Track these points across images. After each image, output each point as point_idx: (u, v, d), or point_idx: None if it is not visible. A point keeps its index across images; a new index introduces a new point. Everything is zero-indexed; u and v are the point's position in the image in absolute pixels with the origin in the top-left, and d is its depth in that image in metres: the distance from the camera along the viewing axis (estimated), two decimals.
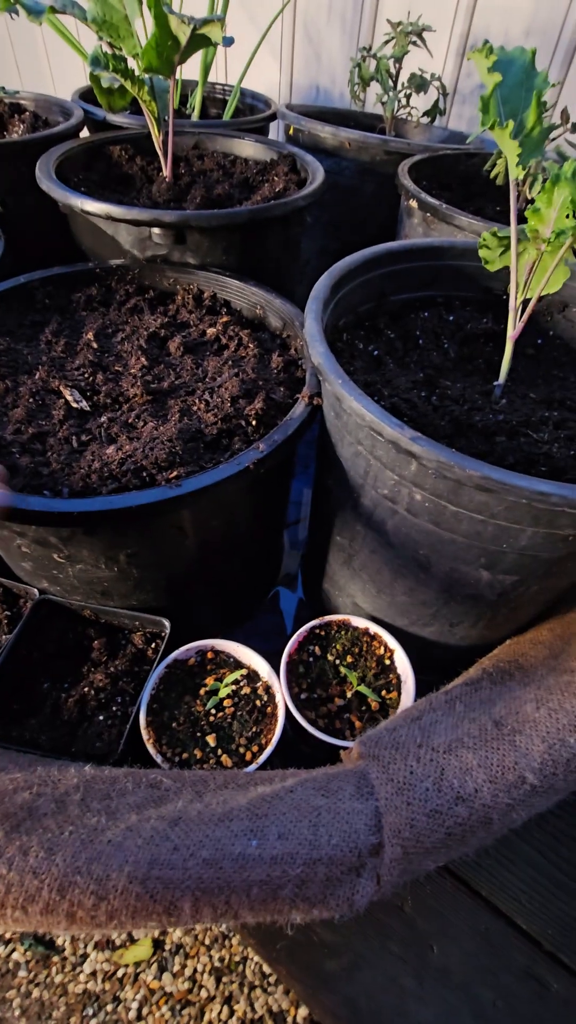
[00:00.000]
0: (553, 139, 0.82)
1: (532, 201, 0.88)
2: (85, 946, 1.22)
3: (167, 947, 1.22)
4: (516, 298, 0.56)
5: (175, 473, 0.54)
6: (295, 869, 0.40)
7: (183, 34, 0.70)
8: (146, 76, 0.78)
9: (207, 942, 1.22)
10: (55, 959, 1.21)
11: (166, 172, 0.91)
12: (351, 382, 0.50)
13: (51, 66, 1.99)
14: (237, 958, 1.19)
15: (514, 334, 0.58)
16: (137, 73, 0.78)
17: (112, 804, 0.46)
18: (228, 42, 0.73)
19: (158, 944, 1.22)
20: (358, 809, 0.43)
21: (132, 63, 0.80)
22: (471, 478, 0.43)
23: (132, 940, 1.22)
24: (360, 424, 0.50)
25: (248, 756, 0.59)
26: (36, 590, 0.68)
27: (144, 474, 0.55)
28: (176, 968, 1.16)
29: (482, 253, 0.61)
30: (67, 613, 0.69)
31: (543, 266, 0.54)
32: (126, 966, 1.19)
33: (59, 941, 1.24)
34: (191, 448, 0.58)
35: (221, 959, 1.19)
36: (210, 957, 1.20)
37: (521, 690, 0.53)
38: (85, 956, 1.21)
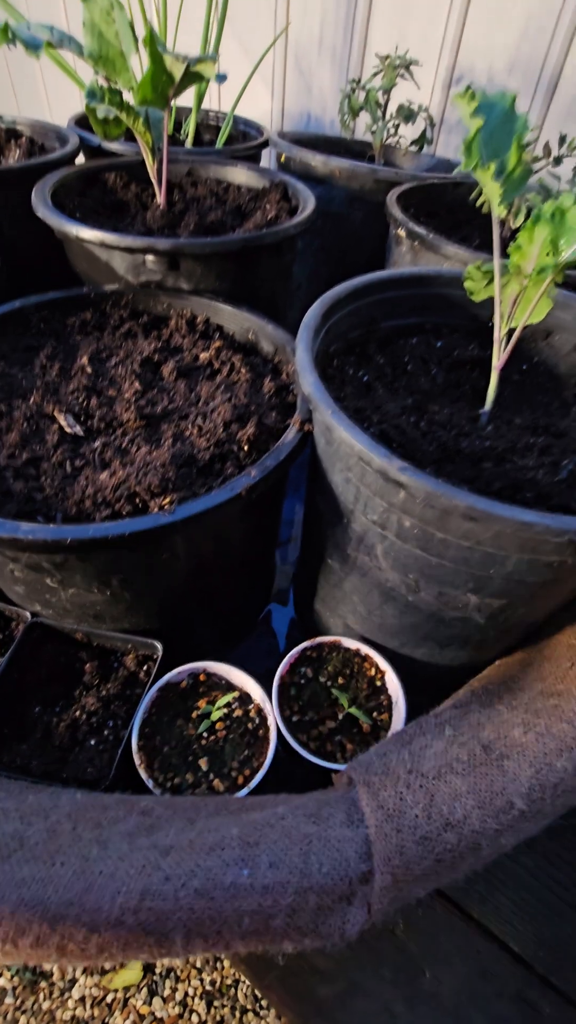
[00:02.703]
0: (536, 172, 0.85)
1: (516, 231, 0.91)
2: (73, 971, 1.20)
3: (157, 971, 1.19)
4: (501, 329, 0.58)
5: (168, 499, 0.54)
6: (286, 898, 0.40)
7: (177, 71, 0.73)
8: (141, 108, 0.81)
9: (198, 965, 1.21)
10: (43, 985, 1.18)
11: (160, 199, 0.93)
12: (341, 412, 0.51)
13: (47, 91, 2.03)
14: (229, 981, 1.18)
15: (499, 364, 0.59)
16: (132, 105, 0.80)
17: (104, 833, 0.46)
18: (221, 79, 0.76)
19: (148, 968, 1.20)
20: (348, 837, 0.43)
21: (127, 95, 0.82)
22: (458, 507, 0.45)
23: (122, 964, 1.20)
24: (350, 453, 0.51)
25: (240, 780, 0.59)
26: (28, 613, 0.68)
27: (137, 500, 0.55)
28: (167, 992, 1.14)
29: (467, 285, 0.62)
30: (59, 636, 0.69)
31: (526, 298, 0.56)
32: (115, 991, 1.17)
33: (46, 966, 1.21)
34: (184, 473, 0.59)
35: (212, 982, 1.18)
36: (201, 981, 1.18)
37: (509, 713, 0.54)
38: (73, 981, 1.19)
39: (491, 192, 0.52)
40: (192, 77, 0.74)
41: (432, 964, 0.63)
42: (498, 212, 0.53)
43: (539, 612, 0.63)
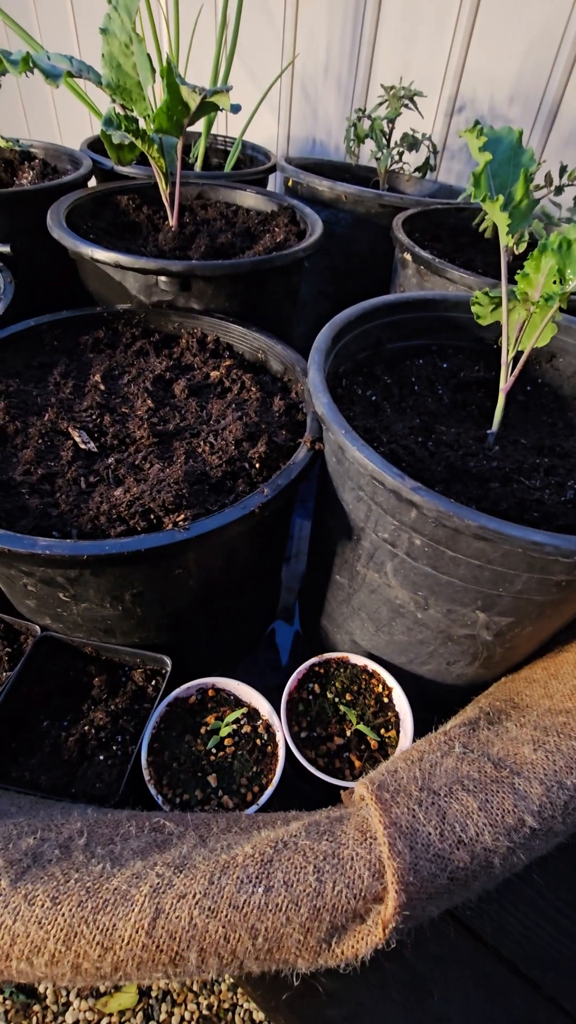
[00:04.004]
0: (537, 200, 0.88)
1: (519, 257, 0.94)
2: (68, 994, 1.18)
3: (153, 994, 1.17)
4: (508, 353, 0.60)
5: (182, 516, 0.55)
6: (299, 917, 0.40)
7: (193, 101, 0.75)
8: (155, 135, 0.83)
9: (195, 988, 1.19)
10: (36, 1008, 1.16)
11: (172, 222, 0.95)
12: (354, 433, 0.52)
13: (58, 114, 2.08)
14: (226, 1005, 1.16)
15: (506, 387, 0.61)
16: (147, 132, 0.83)
17: (116, 849, 0.46)
18: (236, 109, 0.78)
19: (144, 992, 1.18)
20: (361, 855, 0.43)
21: (142, 122, 0.85)
22: (469, 527, 0.46)
23: (117, 987, 1.18)
24: (362, 472, 0.52)
25: (249, 796, 0.60)
26: (38, 627, 0.69)
27: (152, 516, 0.56)
28: (163, 1016, 1.12)
29: (475, 309, 0.64)
30: (68, 650, 0.70)
31: (533, 324, 0.58)
32: (110, 1015, 1.14)
33: (40, 989, 1.19)
34: (197, 490, 0.60)
35: (209, 1007, 1.16)
36: (198, 1004, 1.16)
37: (518, 731, 0.54)
38: (67, 1005, 1.17)
39: (499, 222, 0.54)
40: (207, 107, 0.77)
41: (440, 986, 0.62)
42: (505, 241, 0.55)
43: (546, 630, 0.63)
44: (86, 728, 0.64)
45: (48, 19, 1.86)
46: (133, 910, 0.40)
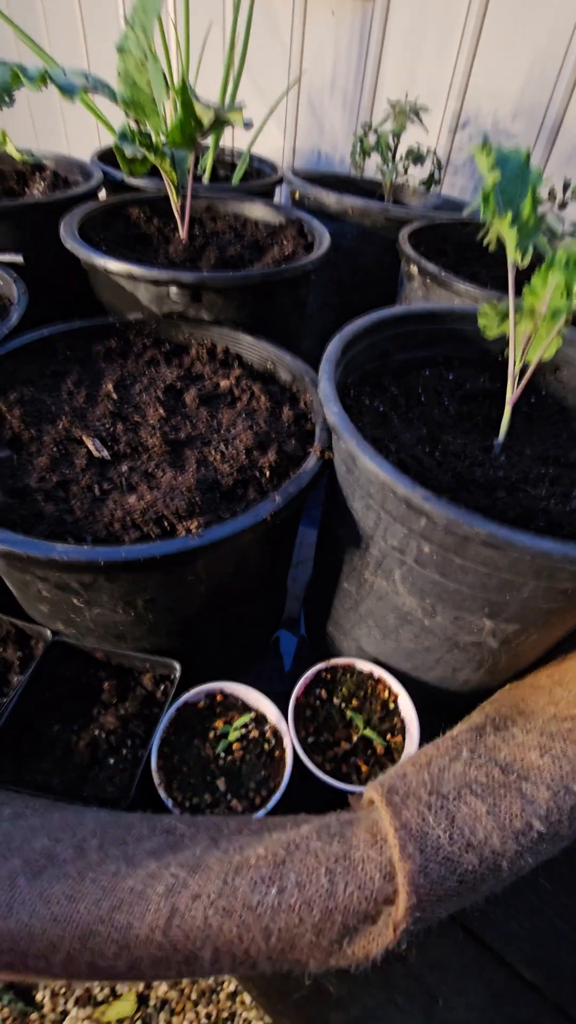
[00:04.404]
0: (543, 217, 0.89)
1: (523, 271, 0.95)
2: (65, 1002, 1.18)
3: (152, 1002, 1.17)
4: (515, 365, 0.61)
5: (195, 523, 0.56)
6: (312, 918, 0.41)
7: (207, 118, 0.77)
8: (168, 149, 0.85)
9: (193, 997, 1.18)
10: (33, 1016, 1.16)
11: (183, 233, 0.97)
12: (366, 443, 0.53)
13: (66, 125, 2.11)
14: (225, 1014, 1.16)
15: (512, 398, 0.62)
16: (160, 146, 0.85)
17: (130, 850, 0.46)
18: (248, 125, 0.80)
19: (142, 999, 1.18)
20: (372, 857, 0.44)
21: (155, 136, 0.87)
22: (479, 535, 0.47)
23: (115, 995, 1.18)
24: (373, 481, 0.54)
25: (258, 800, 0.60)
26: (49, 631, 0.70)
27: (165, 523, 0.57)
28: None
29: (481, 321, 0.66)
30: (79, 655, 0.70)
31: (539, 337, 0.59)
32: (108, 1023, 1.14)
33: (38, 996, 1.19)
34: (208, 498, 0.61)
35: (208, 1015, 1.15)
36: (196, 1013, 1.16)
37: (524, 736, 0.55)
38: (65, 1013, 1.16)
39: (507, 239, 0.55)
40: (220, 124, 0.79)
41: (445, 991, 0.63)
42: (513, 257, 0.56)
43: (550, 637, 0.64)
44: (97, 732, 0.65)
45: (58, 34, 1.89)
46: (149, 909, 0.40)
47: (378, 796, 0.48)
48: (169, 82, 0.80)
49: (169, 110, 0.81)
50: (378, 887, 0.42)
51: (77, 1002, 1.17)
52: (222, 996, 1.17)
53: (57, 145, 2.20)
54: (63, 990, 1.19)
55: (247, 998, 1.18)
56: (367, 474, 0.53)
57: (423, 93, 1.39)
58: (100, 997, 1.17)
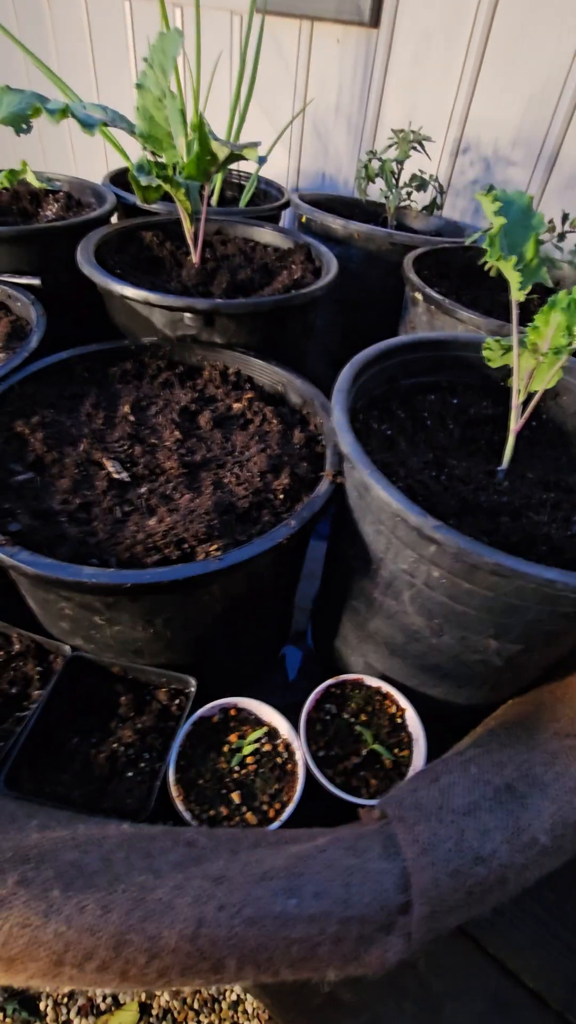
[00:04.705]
0: (546, 257, 0.93)
1: (522, 302, 0.99)
2: (68, 1011, 1.19)
3: (154, 1012, 1.18)
4: (518, 396, 0.64)
5: (215, 546, 0.59)
6: (331, 927, 0.44)
7: (222, 153, 0.80)
8: (183, 180, 0.88)
9: (196, 1006, 1.20)
10: None
11: (195, 258, 1.00)
12: (379, 472, 0.56)
13: (74, 148, 2.15)
14: (227, 1023, 1.17)
15: (516, 427, 0.65)
16: (175, 177, 0.88)
17: (155, 863, 0.49)
18: (262, 161, 0.83)
19: (145, 1008, 1.19)
20: (386, 869, 0.46)
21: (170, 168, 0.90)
22: (486, 564, 0.50)
23: (118, 1004, 1.19)
24: (384, 509, 0.56)
25: (271, 813, 0.62)
26: (68, 647, 0.72)
27: (185, 546, 0.60)
28: None
29: (486, 353, 0.69)
30: (97, 669, 0.73)
31: (541, 371, 0.62)
32: None
33: (42, 1006, 1.20)
34: (225, 521, 0.64)
35: None
36: (199, 1023, 1.17)
37: (529, 753, 0.58)
38: (68, 1023, 1.17)
39: (512, 279, 0.58)
40: (234, 158, 0.82)
41: (452, 999, 0.65)
42: (517, 297, 0.60)
43: (552, 656, 0.67)
44: (115, 745, 0.67)
45: (66, 53, 1.93)
46: (178, 919, 0.43)
47: (391, 810, 0.50)
48: (185, 118, 0.83)
49: (181, 144, 0.84)
50: (392, 898, 0.45)
51: (80, 1012, 1.18)
52: (224, 1005, 1.18)
53: (64, 165, 2.24)
54: (66, 1000, 1.21)
55: (249, 1008, 1.20)
56: (379, 502, 0.56)
57: (425, 120, 1.43)
58: (103, 1007, 1.18)
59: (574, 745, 0.57)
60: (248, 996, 1.22)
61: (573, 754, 0.55)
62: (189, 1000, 1.20)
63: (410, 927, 0.44)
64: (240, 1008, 1.21)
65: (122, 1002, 1.20)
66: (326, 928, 0.43)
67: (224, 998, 1.20)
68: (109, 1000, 1.21)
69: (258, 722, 0.71)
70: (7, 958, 0.42)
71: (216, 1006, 1.18)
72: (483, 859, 0.47)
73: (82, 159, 2.18)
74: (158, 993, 1.22)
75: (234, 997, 1.22)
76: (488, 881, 0.46)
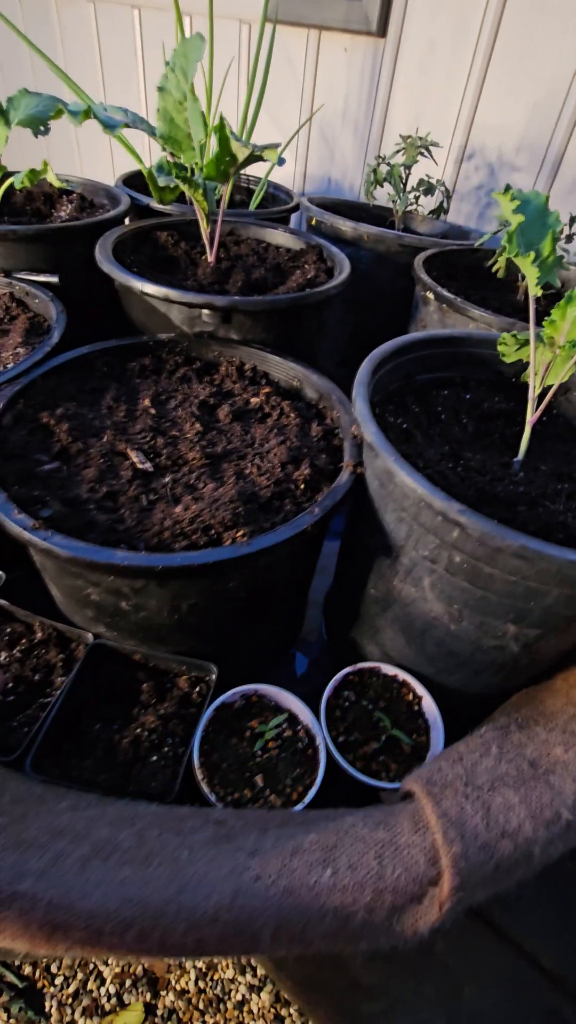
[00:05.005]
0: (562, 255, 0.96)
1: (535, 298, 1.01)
2: (73, 1012, 1.18)
3: (159, 1012, 1.18)
4: (535, 389, 0.66)
5: (241, 532, 0.60)
6: (364, 897, 0.45)
7: (241, 154, 0.82)
8: (201, 180, 0.90)
9: (201, 1006, 1.20)
10: None
11: (210, 257, 1.02)
12: (403, 460, 0.58)
13: (80, 150, 2.18)
14: (233, 1023, 1.17)
15: (533, 419, 0.67)
16: (195, 178, 0.90)
17: (187, 839, 0.50)
18: (282, 163, 0.85)
19: (150, 1009, 1.19)
20: (417, 842, 0.47)
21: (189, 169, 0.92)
22: (510, 546, 0.51)
23: (123, 1005, 1.19)
24: (408, 495, 0.58)
25: (294, 796, 0.64)
26: (90, 635, 0.73)
27: (212, 532, 0.61)
28: None
29: (501, 348, 0.71)
30: (118, 657, 0.74)
31: (558, 364, 0.64)
32: None
33: (46, 1006, 1.20)
34: (250, 509, 0.65)
35: None
36: (204, 1022, 1.17)
37: (547, 734, 0.59)
38: (72, 1023, 1.17)
39: (529, 275, 0.60)
40: (253, 159, 0.84)
41: (471, 982, 0.66)
42: (534, 292, 0.62)
43: (567, 643, 0.68)
44: (138, 731, 0.68)
45: (76, 69, 1.96)
46: (215, 890, 0.44)
47: (418, 787, 0.52)
48: (207, 120, 0.85)
49: (200, 146, 0.86)
50: (423, 870, 0.46)
51: (84, 1012, 1.18)
52: (229, 1005, 1.19)
53: (70, 165, 2.26)
54: (70, 1000, 1.20)
55: (255, 1007, 1.20)
56: (403, 488, 0.57)
57: (430, 127, 1.46)
58: (108, 1007, 1.18)
59: None
60: (253, 996, 1.22)
61: None
62: (194, 1000, 1.20)
63: (441, 898, 0.45)
64: (245, 1008, 1.21)
65: (127, 1002, 1.20)
66: (360, 898, 0.44)
67: (229, 998, 1.20)
68: (114, 1000, 1.21)
69: (278, 708, 0.72)
70: (48, 929, 0.43)
71: (221, 1006, 1.19)
72: (509, 833, 0.48)
73: (88, 160, 2.20)
74: (163, 993, 1.22)
75: (239, 997, 1.22)
76: (515, 855, 0.48)
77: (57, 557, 0.55)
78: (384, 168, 1.31)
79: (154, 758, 0.66)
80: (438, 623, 0.68)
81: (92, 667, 0.72)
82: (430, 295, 0.99)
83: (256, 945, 0.44)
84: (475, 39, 1.31)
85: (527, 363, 0.69)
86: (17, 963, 1.25)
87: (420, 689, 0.74)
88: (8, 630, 0.76)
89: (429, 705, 0.73)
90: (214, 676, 0.71)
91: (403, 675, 0.76)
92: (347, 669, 0.75)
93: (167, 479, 0.69)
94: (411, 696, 0.75)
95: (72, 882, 0.43)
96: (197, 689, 0.74)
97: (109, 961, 1.26)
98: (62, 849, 0.46)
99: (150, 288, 0.85)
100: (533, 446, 0.79)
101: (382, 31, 1.41)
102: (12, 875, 0.42)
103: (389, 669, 0.76)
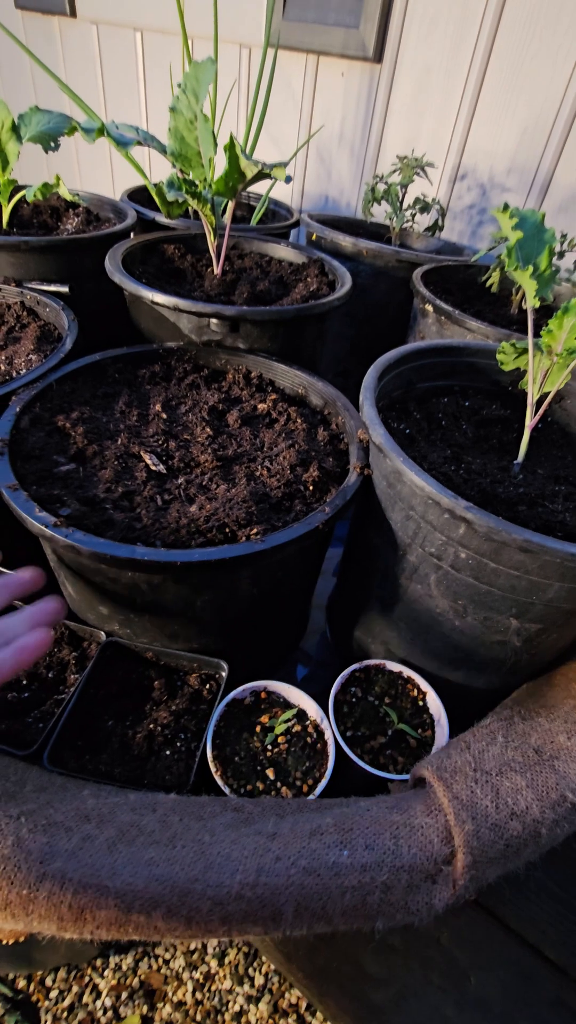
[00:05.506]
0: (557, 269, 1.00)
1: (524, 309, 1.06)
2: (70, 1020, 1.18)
3: (156, 1021, 1.18)
4: (533, 396, 0.70)
5: (255, 530, 0.63)
6: (381, 876, 0.46)
7: (250, 172, 0.86)
8: (209, 196, 0.94)
9: (198, 1018, 1.20)
10: None
11: (216, 269, 1.05)
12: (411, 460, 0.61)
13: (80, 164, 2.22)
14: None
15: (531, 424, 0.70)
16: (203, 193, 0.94)
17: (208, 824, 0.51)
18: (289, 180, 0.89)
19: (147, 1022, 1.19)
20: (430, 824, 0.50)
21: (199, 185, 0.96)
22: (515, 541, 0.54)
23: (119, 1018, 1.18)
24: (416, 494, 0.61)
25: (305, 788, 0.65)
26: (102, 632, 0.74)
27: (227, 530, 0.63)
28: None
29: (499, 357, 0.74)
30: (130, 654, 0.75)
31: (555, 372, 0.68)
32: None
33: (42, 1020, 1.19)
34: (262, 508, 0.67)
35: None
36: None
37: (550, 724, 0.61)
38: None
39: (527, 288, 0.64)
40: (261, 176, 0.88)
41: (477, 971, 0.67)
42: (533, 303, 0.65)
43: (567, 638, 0.71)
44: (151, 726, 0.69)
45: (78, 88, 2.01)
46: (238, 869, 0.45)
47: (429, 773, 0.54)
48: (215, 139, 0.89)
49: (221, 163, 0.90)
50: (437, 849, 0.48)
51: (81, 1022, 1.17)
52: (227, 1016, 1.18)
53: (70, 179, 2.30)
54: (66, 1014, 1.20)
55: (253, 1018, 1.20)
56: (411, 487, 0.60)
57: (425, 149, 1.52)
58: (103, 1021, 1.17)
59: None
60: (252, 1006, 1.22)
61: None
62: (192, 1012, 1.20)
63: (455, 876, 0.47)
64: (244, 1019, 1.21)
65: (123, 1015, 1.20)
66: (377, 877, 0.46)
67: (227, 1009, 1.20)
68: (110, 1014, 1.20)
69: (287, 704, 0.74)
70: (77, 909, 0.44)
71: (219, 1017, 1.18)
72: (517, 815, 0.50)
73: (88, 174, 2.25)
74: (160, 1005, 1.22)
75: (237, 1008, 1.22)
76: (523, 835, 0.50)
77: (79, 553, 0.57)
78: (382, 187, 1.36)
79: (168, 752, 0.68)
80: (443, 619, 0.70)
81: (105, 665, 0.73)
82: (429, 307, 1.03)
83: (279, 922, 0.46)
84: (467, 65, 1.38)
85: (524, 371, 0.73)
86: (11, 976, 1.24)
87: (424, 685, 0.76)
88: None
89: (434, 700, 0.75)
90: (225, 673, 0.73)
91: (408, 671, 0.78)
92: (353, 666, 0.77)
93: (180, 480, 0.72)
94: (416, 692, 0.77)
95: (101, 862, 0.44)
96: (207, 687, 0.75)
97: (105, 973, 1.26)
98: (89, 832, 0.47)
99: (160, 298, 0.88)
100: (530, 451, 0.83)
101: (378, 57, 1.47)
102: (42, 855, 0.44)
103: (394, 666, 0.79)
